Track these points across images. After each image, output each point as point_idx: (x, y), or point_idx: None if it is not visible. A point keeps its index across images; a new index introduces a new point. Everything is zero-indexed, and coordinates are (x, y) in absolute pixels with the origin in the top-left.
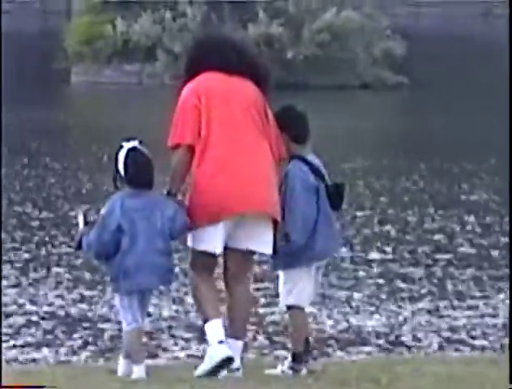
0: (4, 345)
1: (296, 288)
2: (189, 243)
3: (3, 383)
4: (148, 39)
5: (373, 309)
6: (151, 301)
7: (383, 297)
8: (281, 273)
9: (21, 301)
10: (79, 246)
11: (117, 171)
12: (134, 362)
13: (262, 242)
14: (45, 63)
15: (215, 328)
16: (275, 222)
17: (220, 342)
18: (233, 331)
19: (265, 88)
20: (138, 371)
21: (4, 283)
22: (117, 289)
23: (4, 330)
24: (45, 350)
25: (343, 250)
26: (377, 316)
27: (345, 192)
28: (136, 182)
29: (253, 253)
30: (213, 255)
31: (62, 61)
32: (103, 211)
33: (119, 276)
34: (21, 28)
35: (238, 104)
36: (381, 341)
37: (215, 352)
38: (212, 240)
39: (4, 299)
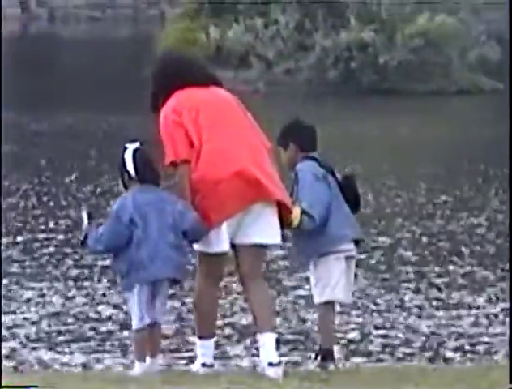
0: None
1: (330, 283)
2: (196, 246)
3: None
4: (241, 46)
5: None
6: (166, 296)
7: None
8: (312, 270)
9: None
10: (83, 243)
11: (126, 171)
12: (137, 359)
13: (269, 234)
14: (137, 69)
15: (205, 349)
16: (279, 212)
17: (203, 365)
18: (260, 326)
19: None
20: (138, 368)
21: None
22: (128, 285)
23: None
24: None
25: None
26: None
27: (356, 184)
28: (147, 178)
29: (263, 246)
30: (220, 256)
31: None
32: (114, 207)
33: (131, 269)
34: (113, 35)
35: (222, 106)
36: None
37: (196, 371)
38: (217, 240)
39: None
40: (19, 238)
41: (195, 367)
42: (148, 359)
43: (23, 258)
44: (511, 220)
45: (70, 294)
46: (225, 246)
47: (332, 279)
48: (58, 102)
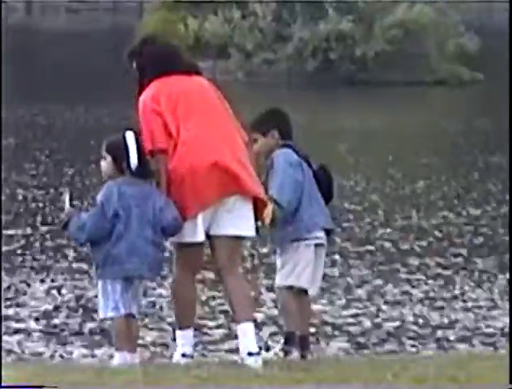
0: None
1: (296, 269)
2: (171, 238)
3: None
4: (219, 37)
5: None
6: (141, 290)
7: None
8: (279, 254)
9: None
10: (65, 226)
11: (127, 158)
12: (116, 349)
13: (245, 226)
14: (117, 60)
15: (184, 339)
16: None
17: (183, 355)
18: (238, 316)
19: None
20: (119, 358)
21: None
22: (102, 275)
23: None
24: None
25: None
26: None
27: (331, 175)
28: (143, 172)
29: (238, 238)
30: (195, 246)
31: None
32: (100, 196)
33: (107, 262)
34: (92, 26)
35: (201, 97)
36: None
37: (177, 361)
38: (193, 230)
39: None
40: (24, 231)
41: (175, 358)
42: (127, 354)
43: (32, 251)
44: (511, 216)
45: (81, 285)
46: (200, 237)
47: (299, 266)
48: (36, 93)
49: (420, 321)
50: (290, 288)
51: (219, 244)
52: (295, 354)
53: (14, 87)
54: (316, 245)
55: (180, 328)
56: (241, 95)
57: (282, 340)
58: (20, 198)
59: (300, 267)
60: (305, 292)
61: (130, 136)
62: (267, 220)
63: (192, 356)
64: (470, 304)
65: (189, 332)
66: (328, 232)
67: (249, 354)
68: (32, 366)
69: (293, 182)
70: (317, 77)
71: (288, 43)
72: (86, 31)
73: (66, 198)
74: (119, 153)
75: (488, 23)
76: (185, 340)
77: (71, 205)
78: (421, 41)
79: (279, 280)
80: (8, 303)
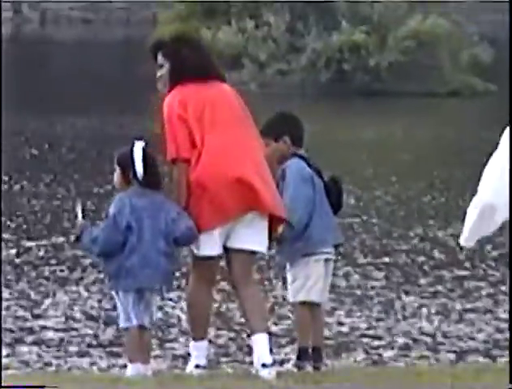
0: None
1: (307, 284)
2: (192, 248)
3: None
4: (233, 47)
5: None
6: (155, 301)
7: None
8: (289, 270)
9: None
10: (78, 239)
11: (133, 168)
12: (129, 361)
13: (259, 241)
14: (131, 71)
15: (198, 350)
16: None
17: (197, 366)
18: (252, 328)
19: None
20: (131, 370)
21: None
22: (114, 287)
23: None
24: None
25: None
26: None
27: (342, 187)
28: (151, 182)
29: (253, 252)
30: (211, 259)
31: (148, 69)
32: (112, 209)
33: (120, 274)
34: (105, 37)
35: (227, 105)
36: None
37: (190, 372)
38: (211, 244)
39: None
40: (41, 242)
41: (189, 368)
42: (140, 365)
43: (52, 261)
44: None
45: (98, 296)
46: (217, 250)
47: (310, 281)
48: (50, 103)
49: (438, 333)
50: (303, 303)
51: (235, 257)
52: (308, 369)
53: (26, 97)
54: (325, 260)
55: (194, 339)
56: (255, 105)
57: (295, 356)
58: (37, 208)
59: (311, 281)
60: (318, 304)
61: (137, 147)
62: (275, 236)
63: (205, 368)
64: (488, 316)
65: (204, 344)
66: (336, 245)
67: (263, 366)
68: (48, 376)
69: (305, 199)
70: (331, 88)
71: (302, 54)
72: (99, 42)
73: (79, 210)
74: (126, 164)
75: (502, 34)
76: (198, 352)
77: (83, 217)
78: (435, 52)
79: (291, 296)
80: (27, 314)
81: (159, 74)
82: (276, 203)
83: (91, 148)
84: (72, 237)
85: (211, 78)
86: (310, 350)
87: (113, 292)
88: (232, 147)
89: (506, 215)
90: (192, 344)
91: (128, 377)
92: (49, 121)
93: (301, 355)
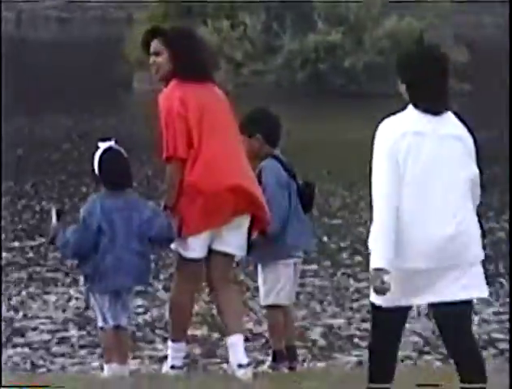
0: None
1: (276, 287)
2: (179, 250)
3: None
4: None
5: None
6: (131, 302)
7: None
8: (260, 273)
9: None
10: (52, 241)
11: (93, 172)
12: (105, 361)
13: (240, 246)
14: (106, 71)
15: (175, 351)
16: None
17: (172, 367)
18: (228, 328)
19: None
20: (107, 370)
21: None
22: (90, 289)
23: None
24: None
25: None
26: None
27: (315, 191)
28: (111, 183)
29: (232, 255)
30: (196, 262)
31: (123, 69)
32: (82, 211)
33: (94, 277)
34: (81, 36)
35: (223, 113)
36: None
37: (166, 372)
38: (198, 246)
39: None
40: (33, 242)
41: (165, 369)
42: (116, 365)
43: (43, 262)
44: (511, 222)
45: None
46: (203, 252)
47: (278, 285)
48: (24, 104)
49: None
50: (273, 306)
51: (214, 258)
52: (285, 371)
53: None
54: (294, 263)
55: (172, 340)
56: (231, 105)
57: (270, 358)
58: (37, 209)
59: (280, 284)
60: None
61: (99, 149)
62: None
63: (181, 368)
64: (483, 316)
65: (181, 345)
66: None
67: (239, 366)
68: (40, 377)
69: (280, 206)
70: (307, 88)
71: (278, 54)
72: (75, 41)
73: (53, 213)
74: (93, 166)
75: (476, 36)
76: (175, 353)
77: (58, 220)
78: None
79: (262, 300)
80: (18, 316)
81: (154, 60)
82: (264, 204)
83: (72, 149)
84: (46, 241)
85: (209, 79)
86: (285, 350)
87: (90, 293)
88: (229, 153)
89: None
90: (170, 344)
91: (103, 377)
92: (29, 121)
93: (276, 357)
